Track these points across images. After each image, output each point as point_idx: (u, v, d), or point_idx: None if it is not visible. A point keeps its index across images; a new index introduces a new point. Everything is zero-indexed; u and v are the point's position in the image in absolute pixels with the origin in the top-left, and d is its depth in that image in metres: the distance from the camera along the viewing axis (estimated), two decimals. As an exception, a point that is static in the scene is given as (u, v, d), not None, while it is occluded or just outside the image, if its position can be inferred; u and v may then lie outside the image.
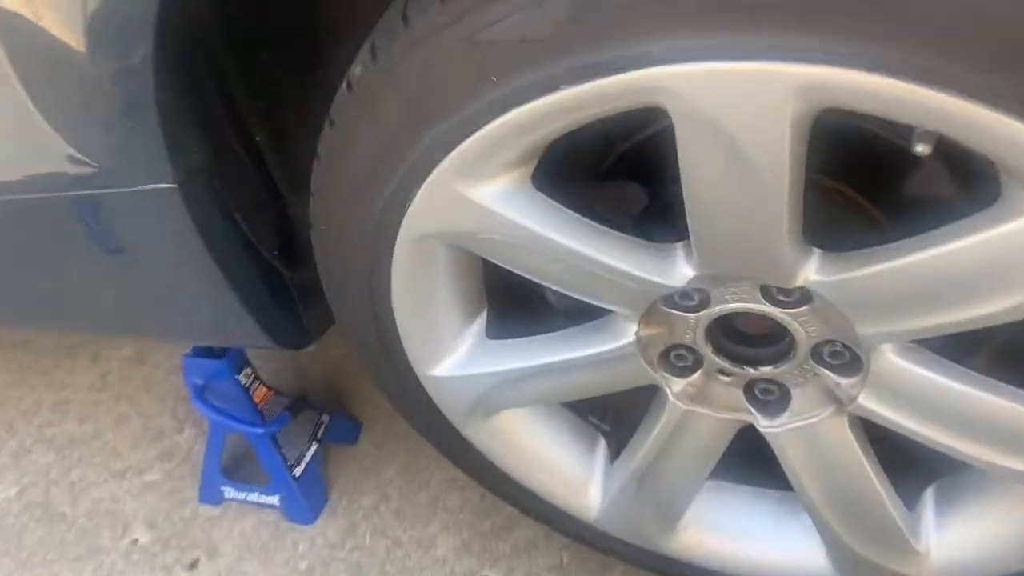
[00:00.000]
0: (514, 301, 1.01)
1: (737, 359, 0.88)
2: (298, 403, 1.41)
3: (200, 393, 1.35)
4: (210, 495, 1.48)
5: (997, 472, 0.81)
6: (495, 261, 0.83)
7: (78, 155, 0.81)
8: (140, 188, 0.83)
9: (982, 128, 0.57)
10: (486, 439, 1.04)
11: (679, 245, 0.80)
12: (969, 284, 0.67)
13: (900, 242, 0.71)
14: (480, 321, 0.96)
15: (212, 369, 1.32)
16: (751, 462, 1.05)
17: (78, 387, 1.78)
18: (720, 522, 1.05)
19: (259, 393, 1.37)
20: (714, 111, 0.62)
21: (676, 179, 0.74)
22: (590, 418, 1.09)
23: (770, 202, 0.68)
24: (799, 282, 0.76)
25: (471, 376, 0.95)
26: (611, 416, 1.10)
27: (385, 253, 0.84)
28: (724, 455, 1.00)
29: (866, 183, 0.83)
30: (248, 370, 1.35)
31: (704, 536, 1.05)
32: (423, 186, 0.75)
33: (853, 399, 0.84)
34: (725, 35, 0.59)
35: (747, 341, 0.89)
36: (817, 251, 0.76)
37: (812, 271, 0.75)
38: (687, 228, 0.77)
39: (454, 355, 0.96)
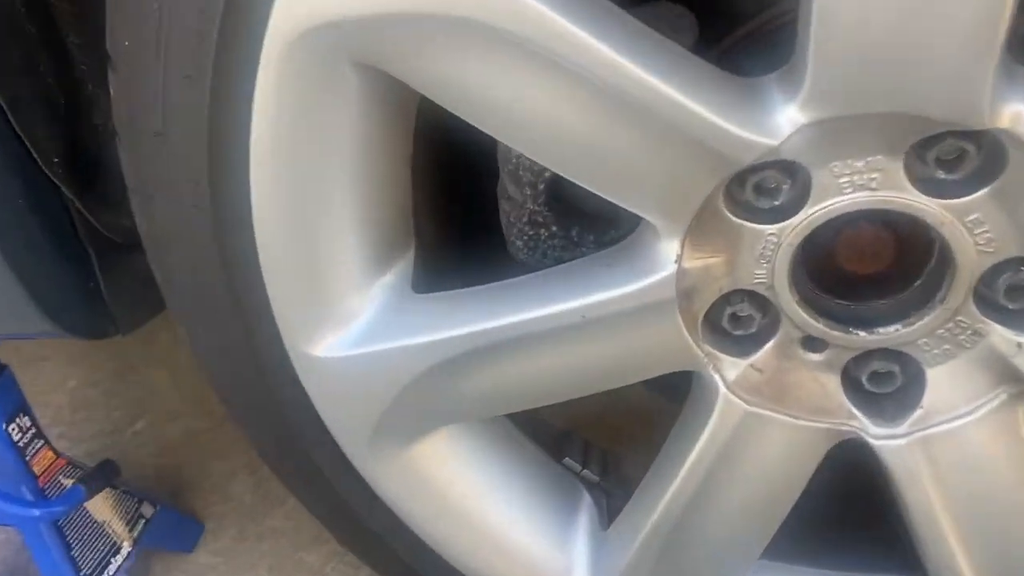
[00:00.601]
0: (448, 247, 0.64)
1: (836, 318, 0.54)
2: (102, 477, 0.95)
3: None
4: (-47, 630, 0.98)
5: None
6: (450, 103, 0.47)
7: None
8: None
9: None
10: (400, 484, 0.63)
11: (771, 77, 0.47)
12: None
13: None
14: (404, 266, 0.58)
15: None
16: (818, 531, 0.68)
17: None
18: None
19: (42, 458, 0.91)
20: None
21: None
22: (567, 461, 0.70)
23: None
24: (1002, 122, 0.43)
25: (386, 354, 0.56)
26: (597, 458, 0.72)
27: (241, 80, 0.46)
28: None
29: None
30: (24, 419, 0.90)
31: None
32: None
33: (1055, 368, 0.50)
34: None
35: (849, 289, 0.55)
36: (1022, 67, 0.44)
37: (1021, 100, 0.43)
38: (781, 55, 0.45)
39: (358, 318, 0.57)
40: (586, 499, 0.69)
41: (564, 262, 0.61)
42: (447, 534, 0.66)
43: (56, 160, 0.62)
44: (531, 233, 0.63)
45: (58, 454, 0.95)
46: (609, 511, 0.69)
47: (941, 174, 0.47)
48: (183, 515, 1.10)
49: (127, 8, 0.48)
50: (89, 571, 0.94)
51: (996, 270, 0.49)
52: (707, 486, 0.59)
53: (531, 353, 0.56)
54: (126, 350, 1.46)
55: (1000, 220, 0.47)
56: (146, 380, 1.40)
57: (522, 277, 0.56)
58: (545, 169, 0.60)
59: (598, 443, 0.72)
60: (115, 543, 0.98)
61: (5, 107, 0.57)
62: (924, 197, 0.47)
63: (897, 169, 0.47)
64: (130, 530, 1.00)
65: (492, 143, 0.60)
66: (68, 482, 0.94)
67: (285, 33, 0.44)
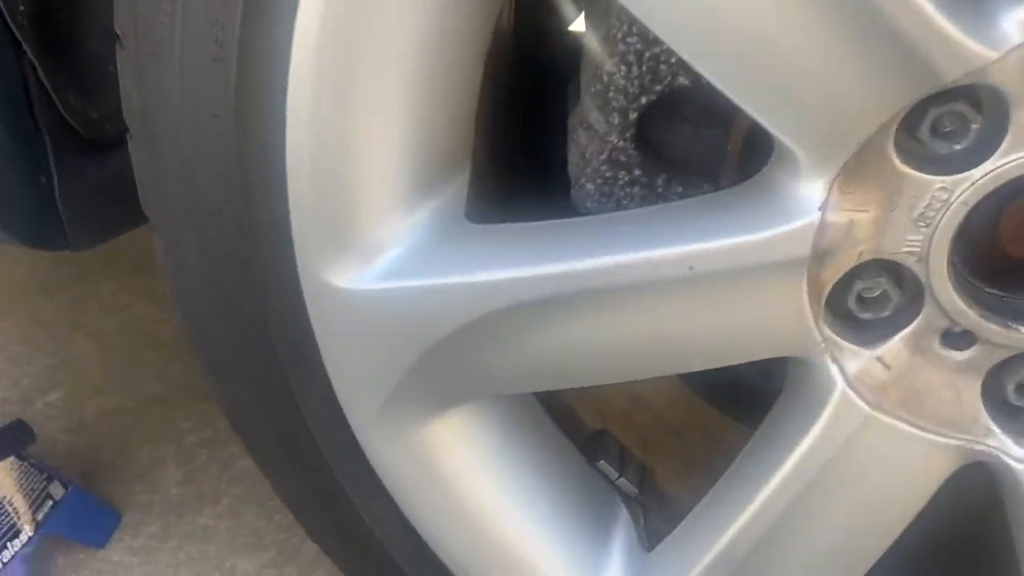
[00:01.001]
0: (499, 178, 0.52)
1: (990, 308, 0.44)
2: (11, 440, 0.80)
3: None
4: None
5: None
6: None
7: None
8: None
9: None
10: (413, 471, 0.50)
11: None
12: None
13: None
14: (458, 186, 0.46)
15: None
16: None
17: None
18: None
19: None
20: None
21: None
22: (601, 464, 0.58)
23: None
24: None
25: (426, 293, 0.44)
26: (634, 467, 0.60)
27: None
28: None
29: None
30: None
31: None
32: None
33: None
34: None
35: (1015, 278, 0.45)
36: None
37: None
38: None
39: (397, 246, 0.44)
40: (622, 513, 0.58)
41: (643, 207, 0.50)
42: (458, 540, 0.53)
43: (22, 8, 0.48)
44: (609, 175, 0.52)
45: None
46: (648, 530, 0.57)
47: None
48: (97, 502, 0.94)
49: None
50: (-22, 554, 0.78)
51: None
52: (797, 509, 0.48)
53: (612, 310, 0.44)
54: (46, 311, 1.29)
55: None
56: (67, 348, 1.23)
57: (615, 213, 0.45)
58: (643, 93, 0.49)
59: (641, 444, 0.61)
60: (14, 524, 0.82)
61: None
62: None
63: None
64: (34, 512, 0.85)
65: (576, 55, 0.49)
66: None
67: None
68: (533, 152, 0.54)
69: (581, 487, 0.57)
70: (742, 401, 0.57)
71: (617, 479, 0.59)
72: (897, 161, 0.41)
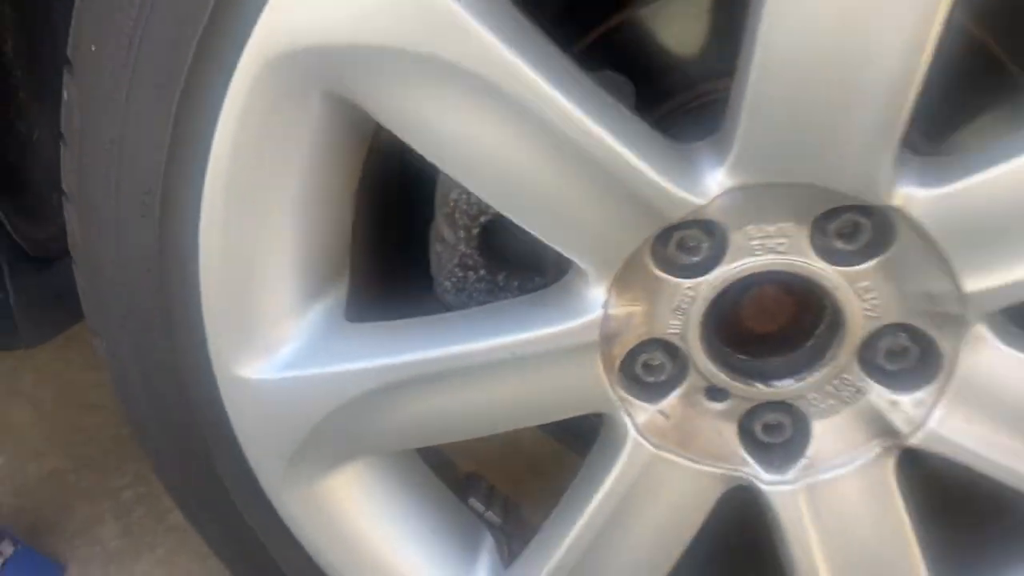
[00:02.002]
0: (378, 281, 0.65)
1: (738, 370, 0.58)
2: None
3: None
4: None
5: None
6: (408, 134, 0.49)
7: None
8: None
9: None
10: (314, 517, 0.62)
11: (703, 143, 0.52)
12: None
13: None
14: (338, 295, 0.59)
15: None
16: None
17: None
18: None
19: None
20: None
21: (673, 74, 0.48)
22: (472, 501, 0.71)
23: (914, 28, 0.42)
24: (895, 200, 0.49)
25: (313, 380, 0.56)
26: (499, 502, 0.73)
27: (209, 100, 0.47)
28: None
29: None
30: None
31: None
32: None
33: (921, 424, 0.56)
34: None
35: (751, 345, 0.59)
36: (915, 157, 0.51)
37: (914, 182, 0.49)
38: (708, 126, 0.50)
39: (289, 343, 0.57)
40: (488, 540, 0.70)
41: (485, 304, 0.64)
42: (353, 567, 0.65)
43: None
44: (460, 275, 0.65)
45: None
46: (510, 552, 0.70)
47: (839, 244, 0.53)
48: (43, 557, 1.03)
49: (99, 13, 0.48)
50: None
51: (878, 334, 0.55)
52: (610, 526, 0.62)
53: (459, 386, 0.58)
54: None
55: (886, 288, 0.53)
56: (7, 416, 1.30)
57: (456, 312, 0.58)
58: (480, 214, 0.63)
59: (504, 484, 0.74)
60: (-33, 582, 0.90)
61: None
62: (823, 263, 0.53)
63: (802, 236, 0.52)
64: (-14, 569, 0.93)
65: (432, 186, 0.63)
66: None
67: (265, 52, 0.46)
68: (408, 257, 0.67)
69: (453, 520, 0.70)
70: (584, 441, 0.70)
71: (484, 512, 0.72)
72: (655, 270, 0.55)
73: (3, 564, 0.95)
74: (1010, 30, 0.60)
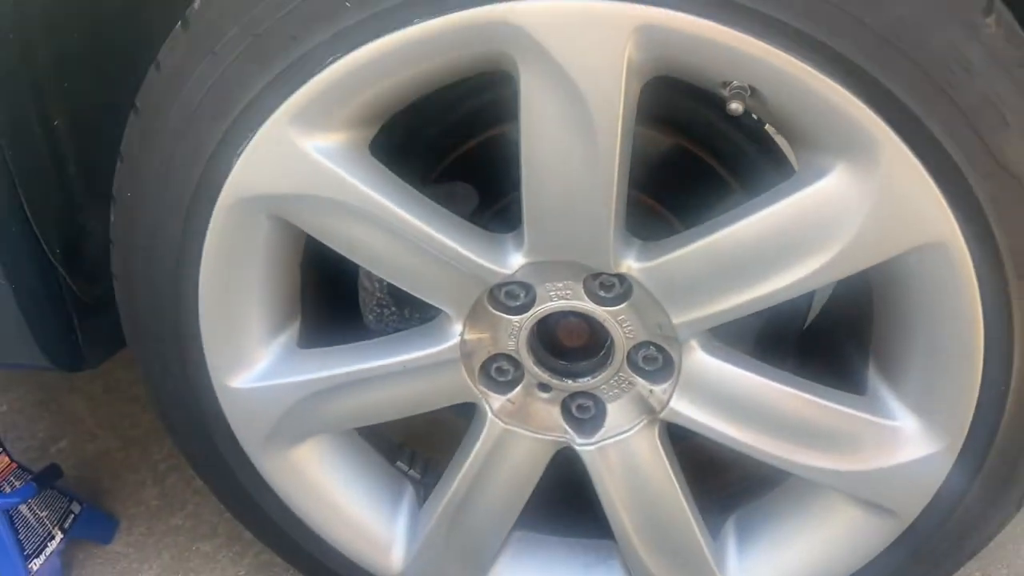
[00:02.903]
0: (325, 318, 0.95)
1: (556, 372, 0.87)
2: (45, 480, 1.20)
3: (-79, 457, 1.11)
4: (-92, 600, 1.18)
5: (805, 473, 0.84)
6: (321, 236, 0.78)
7: None
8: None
9: (794, 84, 0.64)
10: (283, 475, 0.93)
11: (510, 235, 0.80)
12: (769, 255, 0.73)
13: (709, 222, 0.75)
14: (292, 329, 0.89)
15: (-56, 425, 1.10)
16: (561, 512, 1.01)
17: None
18: (530, 571, 0.98)
19: (-1, 461, 1.15)
20: (558, 49, 0.65)
21: (507, 180, 0.76)
22: (398, 464, 1.01)
23: (604, 166, 0.70)
24: (622, 269, 0.77)
25: (277, 387, 0.86)
26: (420, 463, 1.03)
27: (200, 221, 0.77)
28: (534, 502, 0.95)
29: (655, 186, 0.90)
30: (-10, 430, 1.14)
31: (513, 589, 0.98)
32: (256, 134, 0.71)
33: (665, 405, 0.85)
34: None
35: (566, 354, 0.88)
36: (637, 240, 0.79)
37: (633, 258, 0.78)
38: (519, 220, 0.79)
39: (260, 363, 0.87)
40: (409, 490, 1.00)
41: (399, 331, 0.93)
42: (313, 511, 0.95)
43: (57, 251, 0.89)
44: (378, 312, 0.95)
45: (11, 460, 1.19)
46: (424, 497, 1.00)
47: (602, 293, 0.81)
48: (102, 514, 1.34)
49: (136, 176, 0.77)
50: (31, 552, 1.17)
51: (636, 348, 0.83)
52: (480, 476, 0.91)
53: (369, 388, 0.87)
54: (48, 382, 1.67)
55: (635, 320, 0.81)
56: (65, 407, 1.62)
57: (364, 341, 0.87)
58: (387, 272, 0.92)
59: (425, 451, 1.04)
60: (50, 532, 1.21)
61: (32, 222, 0.84)
62: (594, 305, 0.81)
63: (580, 289, 0.81)
64: (61, 523, 1.24)
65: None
66: (18, 483, 1.18)
67: (229, 196, 0.75)
68: (344, 299, 0.97)
69: (384, 476, 0.99)
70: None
71: (408, 471, 1.02)
72: (492, 311, 0.83)
73: (74, 519, 1.26)
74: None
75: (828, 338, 1.04)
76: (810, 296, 0.97)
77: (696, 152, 0.91)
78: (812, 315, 1.08)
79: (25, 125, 0.83)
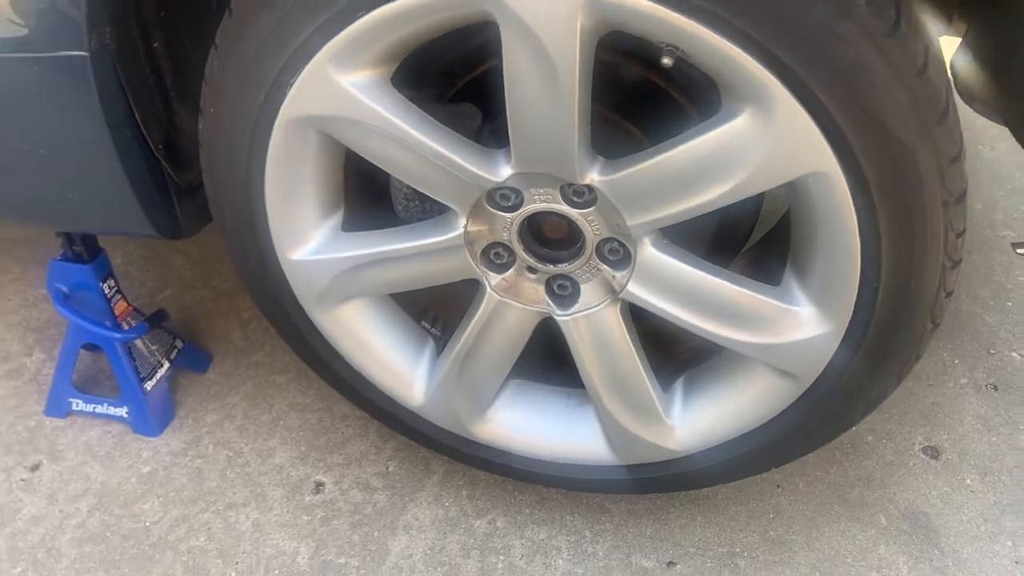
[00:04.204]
0: (366, 207, 1.17)
1: (541, 258, 1.08)
2: (155, 320, 1.49)
3: (63, 299, 1.40)
4: (57, 408, 1.51)
5: (729, 345, 1.04)
6: (355, 149, 0.99)
7: (14, 18, 0.92)
8: (56, 54, 0.94)
9: (707, 47, 0.80)
10: (332, 326, 1.18)
11: (501, 150, 1.00)
12: (703, 173, 0.90)
13: (655, 147, 0.93)
14: (338, 216, 1.11)
15: (77, 275, 1.38)
16: (549, 367, 1.25)
17: (-76, 313, 1.75)
18: (521, 411, 1.23)
19: (119, 306, 1.44)
20: (528, 16, 0.82)
21: (502, 103, 0.95)
22: (423, 323, 1.25)
23: (566, 102, 0.88)
24: (587, 180, 0.96)
25: (325, 260, 1.10)
26: (440, 323, 1.27)
27: (263, 135, 0.98)
28: (528, 359, 1.19)
29: (630, 111, 1.07)
30: (111, 282, 1.42)
31: (509, 423, 1.23)
32: (304, 70, 0.92)
33: (624, 287, 1.05)
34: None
35: (549, 244, 1.09)
36: (600, 158, 0.97)
37: (596, 172, 0.96)
38: (509, 139, 0.98)
39: (313, 241, 1.10)
40: (430, 344, 1.25)
41: (422, 220, 1.14)
42: (355, 354, 1.21)
43: (160, 147, 1.12)
44: (405, 204, 1.16)
45: (128, 304, 1.48)
46: (442, 349, 1.24)
47: (575, 199, 1.00)
48: (200, 350, 1.64)
49: (217, 97, 0.99)
50: (145, 376, 1.48)
51: (603, 243, 1.03)
52: (481, 334, 1.14)
53: (395, 264, 1.10)
54: (155, 244, 1.96)
55: (601, 221, 1.00)
56: (169, 264, 1.91)
57: (391, 228, 1.09)
58: (412, 172, 1.13)
59: (444, 314, 1.27)
60: (160, 361, 1.52)
61: (140, 122, 1.07)
62: (568, 208, 1.01)
63: (557, 194, 1.00)
64: (168, 355, 1.54)
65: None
66: (134, 322, 1.47)
67: (286, 117, 0.96)
68: (379, 194, 1.18)
69: (411, 332, 1.24)
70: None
71: (430, 329, 1.26)
72: (489, 208, 1.04)
73: (177, 352, 1.56)
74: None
75: (766, 243, 1.22)
76: (756, 210, 1.15)
77: (660, 84, 1.07)
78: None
79: (132, 49, 1.05)
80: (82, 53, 0.94)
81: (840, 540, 1.33)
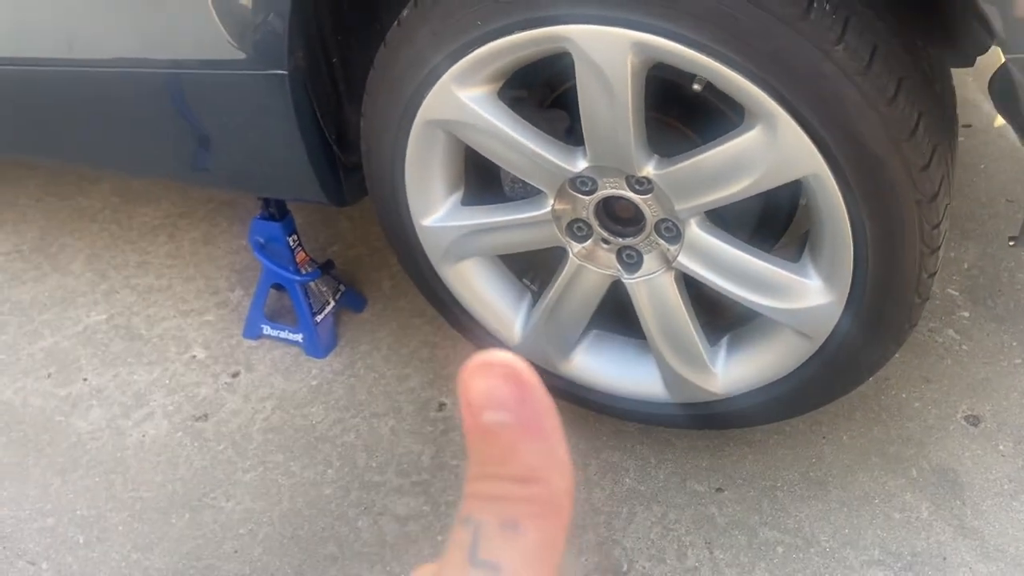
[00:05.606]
0: (482, 187, 1.48)
1: (613, 232, 1.35)
2: (325, 268, 1.88)
3: (259, 248, 1.82)
4: (252, 331, 1.94)
5: (763, 311, 1.28)
6: (471, 144, 1.30)
7: (233, 42, 1.29)
8: (265, 72, 1.30)
9: (725, 79, 1.05)
10: (453, 278, 1.51)
11: (580, 147, 1.27)
12: (730, 171, 1.15)
13: (694, 149, 1.18)
14: (459, 193, 1.43)
15: (271, 231, 1.78)
16: (620, 322, 1.52)
17: (157, 253, 2.24)
18: (598, 355, 1.51)
19: (300, 256, 1.84)
20: (592, 53, 1.09)
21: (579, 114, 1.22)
22: (524, 280, 1.56)
23: (621, 114, 1.15)
24: (644, 173, 1.23)
25: (448, 227, 1.42)
26: (537, 280, 1.57)
27: (405, 132, 1.31)
28: (604, 316, 1.47)
29: (683, 117, 1.31)
30: (295, 237, 1.82)
31: (588, 363, 1.52)
32: (434, 88, 1.23)
33: (676, 258, 1.31)
34: (594, 10, 1.07)
35: (619, 221, 1.36)
36: (656, 155, 1.23)
37: (652, 166, 1.22)
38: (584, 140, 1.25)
39: (439, 211, 1.43)
40: (528, 296, 1.55)
41: (524, 199, 1.44)
42: (470, 300, 1.53)
43: (333, 136, 1.48)
44: (511, 185, 1.46)
45: (306, 254, 1.87)
46: (534, 302, 1.54)
47: (637, 186, 1.26)
48: (358, 294, 2.03)
49: (373, 103, 1.32)
50: (316, 311, 1.87)
51: (659, 223, 1.29)
52: (565, 292, 1.43)
53: (501, 232, 1.40)
54: (326, 210, 2.37)
55: (658, 205, 1.26)
56: (336, 225, 2.31)
57: (498, 204, 1.39)
58: (517, 161, 1.43)
59: (541, 274, 1.57)
60: (328, 300, 1.91)
61: (319, 119, 1.43)
62: (632, 193, 1.27)
63: (623, 183, 1.27)
64: (334, 295, 1.93)
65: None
66: (310, 268, 1.87)
67: (421, 120, 1.28)
68: (492, 176, 1.48)
69: (513, 286, 1.54)
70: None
71: (530, 285, 1.56)
72: (571, 192, 1.32)
73: (341, 294, 1.95)
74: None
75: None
76: (794, 201, 1.37)
77: (710, 97, 1.30)
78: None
79: (317, 65, 1.40)
80: (283, 72, 1.30)
81: (872, 485, 1.53)
